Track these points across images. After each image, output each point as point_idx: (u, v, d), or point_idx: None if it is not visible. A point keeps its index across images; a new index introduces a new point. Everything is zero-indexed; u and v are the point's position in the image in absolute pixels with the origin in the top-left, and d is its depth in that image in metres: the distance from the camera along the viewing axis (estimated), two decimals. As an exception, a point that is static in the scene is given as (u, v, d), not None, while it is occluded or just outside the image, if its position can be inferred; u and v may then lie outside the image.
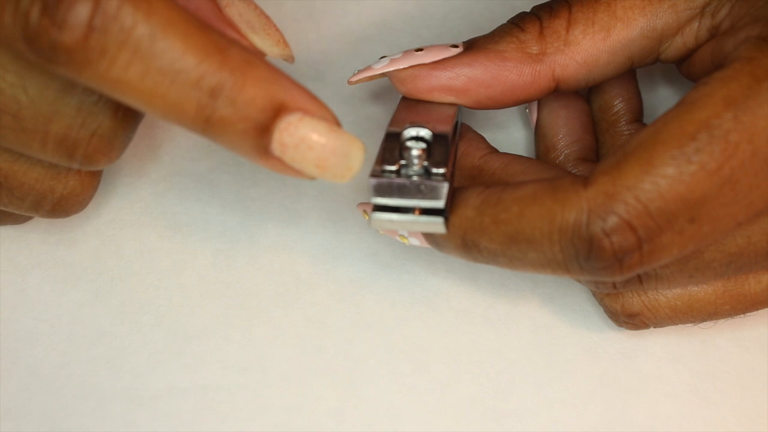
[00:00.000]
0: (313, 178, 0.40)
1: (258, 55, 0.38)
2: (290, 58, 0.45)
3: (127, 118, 0.41)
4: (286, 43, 0.44)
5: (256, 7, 0.44)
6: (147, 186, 0.52)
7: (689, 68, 0.46)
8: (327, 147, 0.39)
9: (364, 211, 0.47)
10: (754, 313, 0.47)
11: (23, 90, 0.39)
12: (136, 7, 0.35)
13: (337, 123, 0.39)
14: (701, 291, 0.46)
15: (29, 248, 0.51)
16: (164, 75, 0.36)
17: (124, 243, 0.51)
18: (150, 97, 0.37)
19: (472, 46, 0.46)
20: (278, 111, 0.38)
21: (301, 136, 0.38)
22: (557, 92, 0.47)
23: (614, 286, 0.45)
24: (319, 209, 0.52)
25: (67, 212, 0.45)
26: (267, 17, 0.44)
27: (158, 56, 0.36)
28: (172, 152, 0.53)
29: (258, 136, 0.38)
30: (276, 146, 0.38)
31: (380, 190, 0.41)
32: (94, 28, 0.35)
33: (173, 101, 0.37)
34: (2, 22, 0.36)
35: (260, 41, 0.43)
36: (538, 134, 0.51)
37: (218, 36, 0.37)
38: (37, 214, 0.45)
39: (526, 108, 0.53)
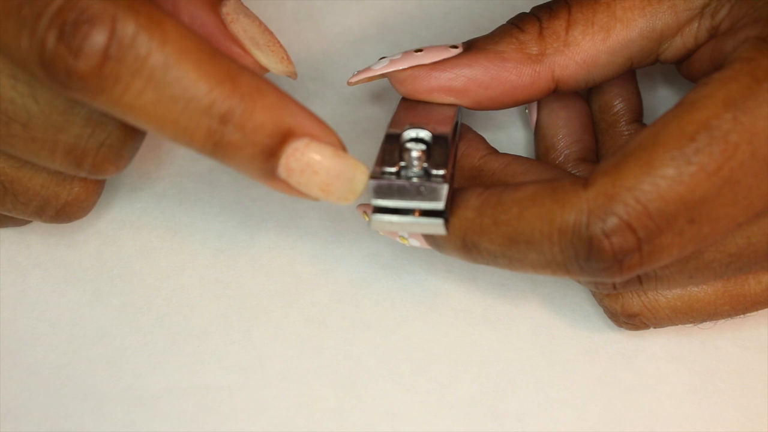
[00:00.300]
0: (317, 200, 0.41)
1: (267, 82, 0.39)
2: (293, 75, 0.45)
3: (135, 129, 0.41)
4: (289, 60, 0.45)
5: (261, 23, 0.44)
6: (147, 186, 0.52)
7: (689, 69, 0.46)
8: (332, 172, 0.40)
9: (364, 213, 0.47)
10: (754, 313, 0.47)
11: (34, 100, 0.40)
12: (150, 35, 0.36)
13: (343, 148, 0.40)
14: (701, 291, 0.46)
15: (29, 248, 0.51)
16: (176, 102, 0.37)
17: (125, 243, 0.51)
18: (162, 122, 0.37)
19: (471, 46, 0.46)
20: (286, 136, 0.39)
21: (308, 161, 0.39)
22: (557, 93, 0.47)
23: (614, 286, 0.45)
24: (319, 209, 0.52)
25: (70, 218, 0.45)
26: (271, 34, 0.44)
27: (171, 84, 0.37)
28: (172, 153, 0.53)
29: (265, 160, 0.39)
30: (282, 170, 0.39)
31: (380, 192, 0.41)
32: (110, 57, 0.36)
33: (184, 127, 0.37)
34: (18, 46, 0.36)
35: (264, 58, 0.44)
36: (538, 135, 0.51)
37: (229, 62, 0.38)
38: (40, 219, 0.45)
39: (525, 108, 0.53)
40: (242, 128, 0.38)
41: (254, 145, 0.38)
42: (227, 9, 0.43)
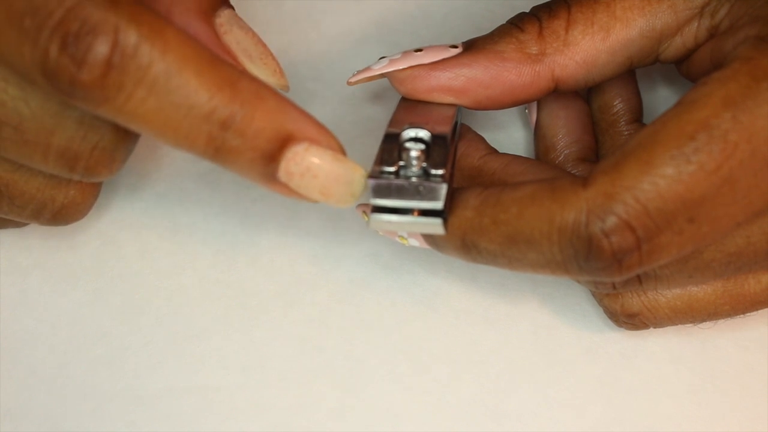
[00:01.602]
0: (317, 202, 0.41)
1: (267, 87, 0.39)
2: (285, 88, 0.45)
3: (128, 131, 0.41)
4: (282, 73, 0.45)
5: (254, 35, 0.44)
6: (147, 186, 0.52)
7: (688, 68, 0.46)
8: (331, 175, 0.40)
9: (363, 212, 0.47)
10: (754, 313, 0.47)
11: (25, 103, 0.40)
12: (152, 45, 0.36)
13: (342, 151, 0.41)
14: (701, 291, 0.46)
15: (30, 249, 0.51)
16: (178, 109, 0.37)
17: (125, 243, 0.51)
18: (164, 129, 0.38)
19: (471, 46, 0.46)
20: (285, 141, 0.39)
21: (307, 165, 0.40)
22: (557, 92, 0.47)
23: (614, 286, 0.45)
24: (319, 209, 0.52)
25: (68, 220, 0.45)
26: (264, 46, 0.45)
27: (173, 92, 0.37)
28: (172, 153, 0.53)
29: (265, 165, 0.39)
30: (282, 174, 0.40)
31: (379, 191, 0.41)
32: (113, 67, 0.36)
33: (185, 133, 0.38)
34: (21, 55, 0.37)
35: (256, 70, 0.44)
36: (538, 134, 0.51)
37: (229, 68, 0.38)
38: (37, 222, 0.45)
39: (525, 108, 0.53)
40: (242, 134, 0.38)
41: (254, 150, 0.39)
42: (221, 20, 0.43)
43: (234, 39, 0.43)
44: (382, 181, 0.41)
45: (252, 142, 0.39)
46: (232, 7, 0.44)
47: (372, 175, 0.41)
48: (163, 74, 0.37)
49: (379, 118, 0.54)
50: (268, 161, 0.39)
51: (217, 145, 0.38)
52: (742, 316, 0.47)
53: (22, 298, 0.50)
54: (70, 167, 0.41)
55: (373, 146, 0.43)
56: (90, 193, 0.45)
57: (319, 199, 0.41)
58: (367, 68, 0.47)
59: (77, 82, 0.36)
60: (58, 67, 0.36)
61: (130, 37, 0.36)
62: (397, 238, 0.47)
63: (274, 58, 0.45)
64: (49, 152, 0.41)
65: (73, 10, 0.36)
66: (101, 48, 0.36)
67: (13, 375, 0.48)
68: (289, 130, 0.39)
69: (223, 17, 0.43)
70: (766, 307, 0.46)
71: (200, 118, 0.38)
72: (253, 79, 0.39)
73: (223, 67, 0.38)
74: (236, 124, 0.38)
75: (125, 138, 0.42)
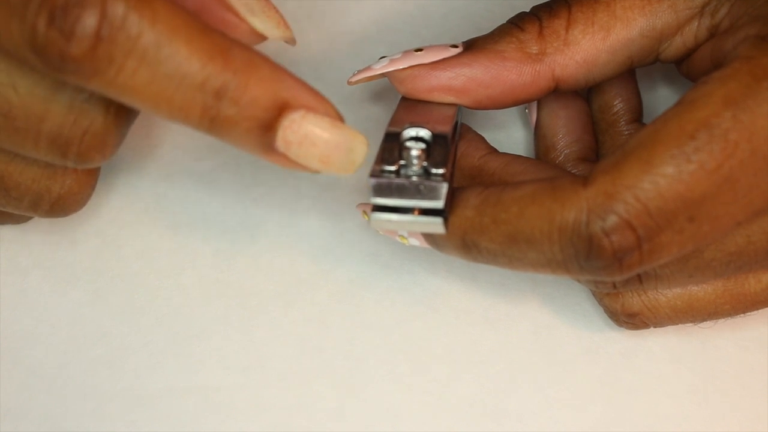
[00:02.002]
0: (318, 172, 0.40)
1: (260, 55, 0.38)
2: (291, 41, 0.44)
3: (119, 115, 0.41)
4: (286, 25, 0.44)
5: None
6: (147, 186, 0.52)
7: (689, 68, 0.46)
8: (330, 143, 0.39)
9: (364, 212, 0.47)
10: (754, 312, 0.47)
11: (13, 89, 0.40)
12: (141, 15, 0.36)
13: (340, 118, 0.40)
14: (701, 290, 0.46)
15: (29, 248, 0.51)
16: (170, 80, 0.37)
17: (125, 243, 0.51)
18: (156, 100, 0.37)
19: (471, 46, 0.46)
20: (281, 109, 0.39)
21: (305, 133, 0.39)
22: (557, 92, 0.47)
23: (614, 285, 0.45)
24: (319, 209, 0.52)
25: (66, 211, 0.45)
26: None
27: (164, 62, 0.37)
28: (172, 152, 0.53)
29: (262, 134, 0.39)
30: (280, 143, 0.39)
31: (380, 190, 0.41)
32: (102, 39, 0.36)
33: (179, 104, 0.37)
34: (9, 32, 0.36)
35: (260, 24, 0.43)
36: (538, 134, 0.51)
37: (221, 37, 0.38)
38: (35, 214, 0.45)
39: (525, 108, 0.53)
40: (237, 102, 0.38)
41: (250, 119, 0.38)
42: None
43: None
44: (383, 180, 0.41)
45: (247, 111, 0.38)
46: None
47: (372, 174, 0.41)
48: (153, 44, 0.36)
49: (379, 118, 0.54)
50: (264, 130, 0.39)
51: (212, 116, 0.38)
52: (742, 315, 0.47)
53: (22, 298, 0.50)
54: (62, 153, 0.41)
55: (373, 146, 0.43)
56: (86, 182, 0.45)
57: (320, 167, 0.40)
58: (368, 68, 0.47)
59: (67, 56, 0.36)
60: (47, 41, 0.36)
61: (118, 8, 0.36)
62: (398, 238, 0.47)
63: (276, 11, 0.43)
64: (40, 139, 0.40)
65: None
66: (89, 20, 0.35)
67: (13, 375, 0.48)
68: (285, 97, 0.39)
69: None
70: (766, 307, 0.46)
71: (193, 87, 0.37)
72: (246, 48, 0.38)
73: (214, 35, 0.38)
74: (230, 93, 0.38)
75: (116, 122, 0.41)
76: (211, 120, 0.38)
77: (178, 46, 0.37)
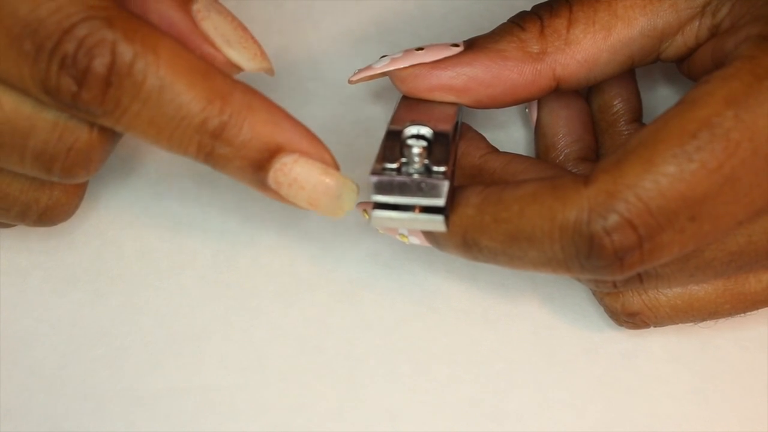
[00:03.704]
0: (307, 209, 0.42)
1: (262, 98, 0.41)
2: (269, 71, 0.45)
3: (104, 132, 0.42)
4: (263, 56, 0.45)
5: (234, 19, 0.44)
6: (147, 186, 0.52)
7: (689, 67, 0.46)
8: (318, 188, 0.41)
9: (364, 211, 0.47)
10: (754, 312, 0.47)
11: None
12: (146, 61, 0.38)
13: (335, 165, 0.42)
14: (702, 290, 0.46)
15: (29, 249, 0.51)
16: (170, 120, 0.39)
17: (124, 243, 0.51)
18: (157, 137, 0.40)
19: (472, 45, 0.46)
20: (274, 152, 0.41)
21: (294, 177, 0.41)
22: (557, 92, 0.47)
23: (614, 285, 0.45)
24: (318, 209, 0.52)
25: (54, 221, 0.45)
26: (244, 29, 0.45)
27: (166, 105, 0.39)
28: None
29: (255, 172, 0.41)
30: (272, 182, 0.41)
31: (381, 188, 0.41)
32: (111, 84, 0.38)
33: (178, 141, 0.40)
34: (21, 76, 0.38)
35: (236, 55, 0.44)
36: (538, 134, 0.51)
37: (223, 79, 0.40)
38: (24, 223, 0.45)
39: (526, 108, 0.53)
40: (231, 143, 0.40)
41: (243, 159, 0.40)
42: (198, 6, 0.43)
43: (212, 25, 0.43)
44: (384, 178, 0.41)
45: (240, 152, 0.40)
46: None
47: (374, 172, 0.41)
48: (156, 89, 0.38)
49: (379, 118, 0.54)
50: (256, 169, 0.41)
51: (207, 152, 0.40)
52: (742, 315, 0.47)
53: (22, 299, 0.50)
54: (47, 169, 0.41)
55: (373, 146, 0.43)
56: (74, 193, 0.45)
57: (308, 208, 0.42)
58: (369, 67, 0.47)
59: (79, 99, 0.38)
60: (59, 86, 0.38)
61: (126, 55, 0.38)
62: (398, 236, 0.47)
63: (254, 42, 0.44)
64: (26, 154, 0.41)
65: (70, 31, 0.37)
66: (99, 68, 0.38)
67: (13, 375, 0.48)
68: (279, 141, 0.40)
69: (199, 3, 0.43)
70: (766, 306, 0.46)
71: (192, 128, 0.39)
72: (247, 91, 0.40)
73: (216, 78, 0.40)
74: (225, 134, 0.40)
75: (101, 139, 0.42)
76: (207, 155, 0.40)
77: (180, 90, 0.39)
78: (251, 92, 0.40)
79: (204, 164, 0.41)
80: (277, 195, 0.41)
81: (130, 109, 0.39)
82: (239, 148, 0.40)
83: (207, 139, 0.40)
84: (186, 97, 0.39)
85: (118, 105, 0.38)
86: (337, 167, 0.42)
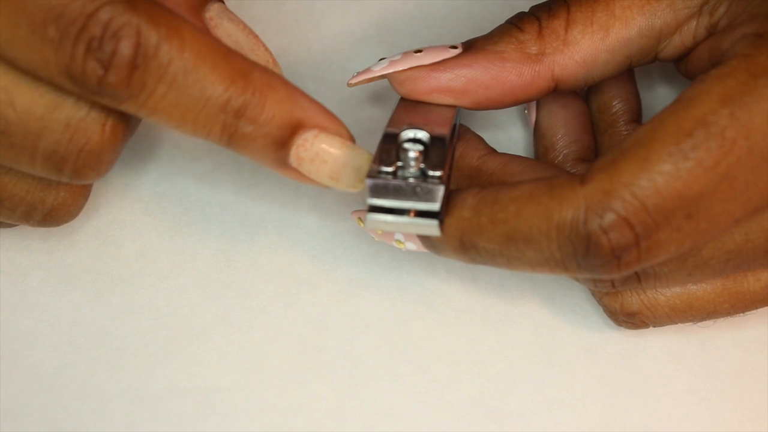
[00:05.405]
0: (327, 187, 0.43)
1: (279, 77, 0.41)
2: None
3: (115, 133, 0.42)
4: (275, 63, 0.46)
5: (245, 27, 0.45)
6: (147, 186, 0.52)
7: (687, 67, 0.46)
8: (339, 161, 0.42)
9: (359, 218, 0.47)
10: (754, 312, 0.47)
11: (11, 106, 0.40)
12: (171, 44, 0.38)
13: (351, 138, 0.42)
14: (700, 289, 0.46)
15: (29, 249, 0.51)
16: (196, 102, 0.39)
17: (124, 243, 0.51)
18: (182, 120, 0.40)
19: (471, 47, 0.46)
20: (295, 128, 0.41)
21: (317, 151, 0.41)
22: (556, 92, 0.47)
23: (613, 284, 0.45)
24: (319, 209, 0.52)
25: (58, 222, 0.46)
26: (256, 37, 0.46)
27: (191, 86, 0.39)
28: (172, 152, 0.53)
29: (277, 150, 0.41)
30: (293, 159, 0.41)
31: (376, 191, 0.41)
32: (137, 67, 0.38)
33: (203, 123, 0.40)
34: (45, 62, 0.38)
35: None
36: (537, 134, 0.51)
37: (242, 60, 0.40)
38: (28, 224, 0.45)
39: (524, 108, 0.53)
40: (254, 121, 0.40)
41: (266, 136, 0.41)
42: (210, 14, 0.44)
43: (224, 32, 0.44)
44: (379, 181, 0.41)
45: (263, 129, 0.40)
46: (221, 0, 0.45)
47: (369, 175, 0.41)
48: (182, 71, 0.39)
49: (378, 119, 0.54)
50: (279, 147, 0.41)
51: (231, 132, 0.40)
52: (741, 315, 0.47)
53: (22, 298, 0.50)
54: (57, 170, 0.41)
55: (372, 146, 0.43)
56: (80, 194, 0.45)
57: (329, 183, 0.42)
58: (367, 69, 0.47)
59: (105, 83, 0.38)
60: (85, 70, 0.38)
61: (151, 38, 0.38)
62: (394, 243, 0.47)
63: (266, 49, 0.46)
64: (36, 155, 0.41)
65: (95, 15, 0.37)
66: (126, 50, 0.38)
67: (13, 375, 0.48)
68: (299, 117, 0.41)
69: (212, 11, 0.44)
70: (765, 306, 0.46)
71: (216, 108, 0.40)
72: (265, 70, 0.41)
73: (236, 59, 0.40)
74: (248, 112, 0.40)
75: (112, 140, 0.42)
76: (230, 136, 0.41)
77: (204, 72, 0.39)
78: (269, 72, 0.41)
79: (226, 147, 0.41)
80: (297, 173, 0.42)
81: (156, 92, 0.39)
82: (262, 125, 0.40)
83: (231, 119, 0.40)
84: (210, 78, 0.39)
85: (144, 88, 0.39)
86: (353, 140, 0.43)
